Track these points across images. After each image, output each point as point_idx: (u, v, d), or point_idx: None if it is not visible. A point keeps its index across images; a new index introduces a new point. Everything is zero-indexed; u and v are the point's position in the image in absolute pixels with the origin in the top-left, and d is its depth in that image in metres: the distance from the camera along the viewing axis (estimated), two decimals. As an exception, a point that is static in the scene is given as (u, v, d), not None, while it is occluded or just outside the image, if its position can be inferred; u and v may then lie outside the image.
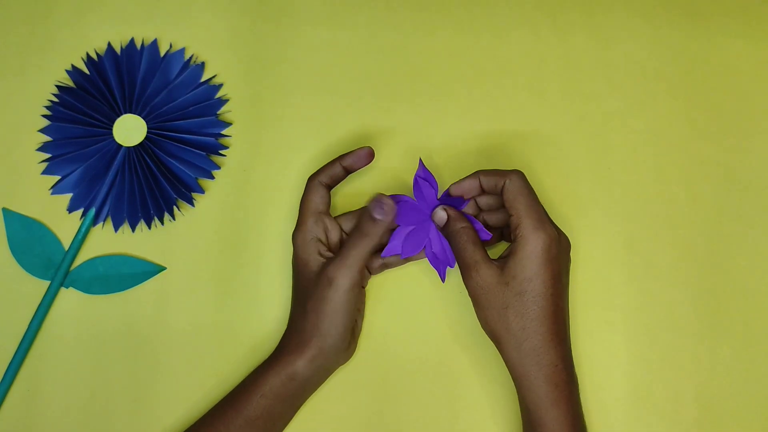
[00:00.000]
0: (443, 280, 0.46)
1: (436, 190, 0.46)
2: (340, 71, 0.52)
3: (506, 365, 0.42)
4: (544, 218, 0.42)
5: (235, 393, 0.44)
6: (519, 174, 0.43)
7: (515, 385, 0.42)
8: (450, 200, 0.45)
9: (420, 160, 0.46)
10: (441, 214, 0.45)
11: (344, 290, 0.42)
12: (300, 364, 0.43)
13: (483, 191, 0.45)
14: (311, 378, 0.43)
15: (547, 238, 0.41)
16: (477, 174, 0.44)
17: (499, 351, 0.43)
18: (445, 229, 0.44)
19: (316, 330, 0.42)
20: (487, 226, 0.46)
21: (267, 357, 0.44)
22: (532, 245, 0.41)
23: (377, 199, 0.41)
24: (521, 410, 0.43)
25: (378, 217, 0.41)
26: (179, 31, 0.52)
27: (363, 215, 0.42)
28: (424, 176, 0.45)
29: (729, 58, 0.53)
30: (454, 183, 0.45)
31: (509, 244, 0.43)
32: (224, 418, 0.42)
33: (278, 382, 0.43)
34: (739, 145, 0.51)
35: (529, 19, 0.53)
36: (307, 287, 0.43)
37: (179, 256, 0.49)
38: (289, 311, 0.46)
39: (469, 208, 0.46)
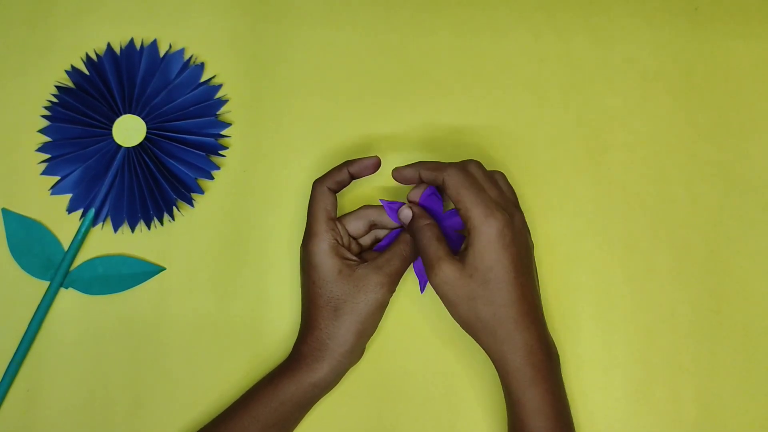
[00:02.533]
0: (422, 291, 0.47)
1: (442, 206, 0.46)
2: (339, 71, 0.52)
3: (485, 352, 0.43)
4: (491, 205, 0.41)
5: (250, 399, 0.43)
6: (456, 167, 0.43)
7: (496, 369, 0.42)
8: (456, 218, 0.45)
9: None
10: (406, 212, 0.45)
11: (389, 295, 0.43)
12: (325, 371, 0.43)
13: (422, 181, 0.45)
14: (332, 383, 0.44)
15: (498, 223, 0.41)
16: (418, 166, 0.44)
17: (476, 341, 0.43)
18: (410, 227, 0.44)
19: (351, 334, 0.42)
20: None
21: (282, 363, 0.44)
22: (485, 234, 0.41)
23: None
24: (504, 394, 0.43)
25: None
26: (179, 31, 0.52)
27: (412, 230, 0.44)
28: (431, 192, 0.45)
29: (729, 58, 0.53)
30: (395, 168, 0.45)
31: None
32: (240, 423, 0.42)
33: (300, 390, 0.43)
34: (739, 145, 0.51)
35: (529, 19, 0.53)
36: (338, 293, 0.43)
37: (179, 257, 0.49)
38: (293, 312, 0.46)
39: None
